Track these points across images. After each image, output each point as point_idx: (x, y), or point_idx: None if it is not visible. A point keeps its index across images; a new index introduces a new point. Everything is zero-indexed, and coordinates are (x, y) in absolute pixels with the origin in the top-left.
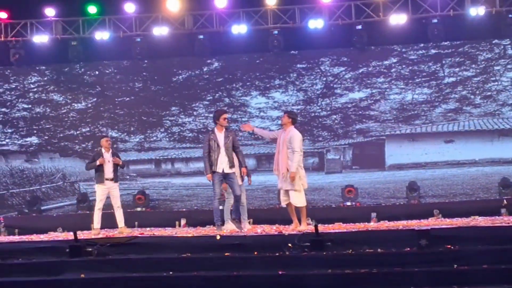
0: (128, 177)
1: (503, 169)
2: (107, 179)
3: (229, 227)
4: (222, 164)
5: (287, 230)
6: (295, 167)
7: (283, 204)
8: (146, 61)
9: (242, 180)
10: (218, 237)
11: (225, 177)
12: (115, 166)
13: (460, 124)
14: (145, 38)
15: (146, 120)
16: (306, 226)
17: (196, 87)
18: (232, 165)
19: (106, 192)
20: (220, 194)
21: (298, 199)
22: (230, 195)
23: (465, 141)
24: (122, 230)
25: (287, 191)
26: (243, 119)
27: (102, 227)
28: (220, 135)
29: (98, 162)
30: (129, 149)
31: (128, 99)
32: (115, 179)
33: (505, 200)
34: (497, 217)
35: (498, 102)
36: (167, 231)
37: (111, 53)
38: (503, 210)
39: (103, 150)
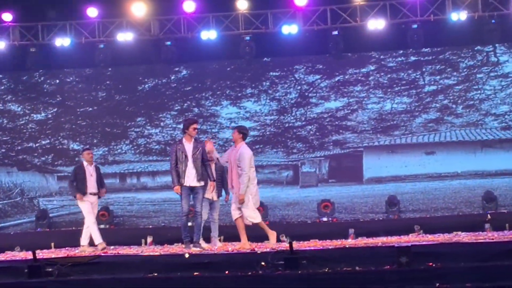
0: None
1: (487, 182)
2: (90, 193)
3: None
4: (190, 178)
5: (260, 247)
6: (243, 190)
7: (234, 218)
8: (109, 69)
9: (218, 196)
10: (187, 256)
11: (192, 190)
12: (99, 179)
13: (441, 135)
14: (108, 45)
15: (110, 131)
16: (273, 239)
17: (163, 96)
18: (200, 178)
19: (90, 206)
20: (189, 209)
21: (252, 216)
22: (205, 210)
23: (446, 153)
24: (83, 249)
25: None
26: (213, 130)
27: (62, 246)
28: (188, 146)
29: (77, 200)
30: None
31: (90, 109)
32: (98, 194)
33: (489, 215)
34: (480, 232)
35: (481, 112)
36: (133, 250)
37: (73, 61)
38: (487, 225)
39: (85, 164)
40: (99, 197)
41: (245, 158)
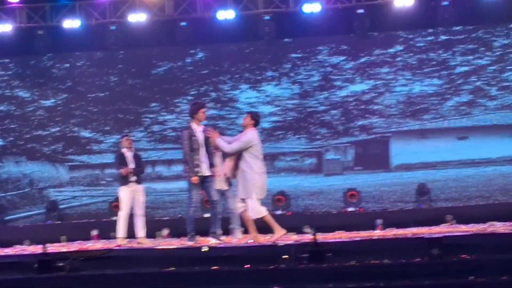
0: (103, 182)
1: None
2: (131, 181)
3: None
4: (204, 166)
5: (272, 240)
6: (223, 143)
7: (238, 211)
8: (122, 51)
9: (230, 185)
10: (205, 249)
11: (204, 180)
12: (138, 166)
13: (474, 119)
14: (120, 26)
15: (123, 118)
16: (279, 233)
17: (178, 80)
18: (211, 166)
19: (131, 196)
20: (199, 200)
21: (255, 209)
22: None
23: (480, 138)
24: (141, 241)
25: (243, 199)
26: (231, 116)
27: (73, 239)
28: (199, 132)
29: (123, 172)
30: (104, 150)
31: (102, 94)
32: (139, 180)
33: None
34: None
35: None
36: (148, 242)
37: (83, 43)
38: None
39: (124, 150)
40: (139, 183)
41: (246, 138)
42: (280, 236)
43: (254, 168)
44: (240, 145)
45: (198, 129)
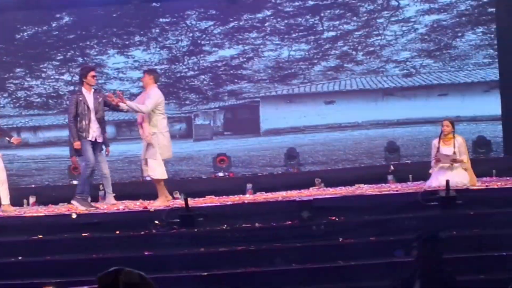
0: None
1: (389, 131)
2: None
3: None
4: (95, 132)
5: (153, 205)
6: (137, 105)
7: (145, 174)
8: None
9: (102, 149)
10: (74, 216)
11: (93, 146)
12: None
13: (341, 83)
14: None
15: None
16: (163, 202)
17: (44, 45)
18: (102, 132)
19: None
20: (93, 162)
21: (155, 170)
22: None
23: (347, 102)
24: (5, 209)
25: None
26: (100, 81)
27: None
28: (89, 97)
29: (13, 141)
30: None
31: None
32: None
33: (392, 166)
34: (383, 184)
35: (381, 59)
36: (13, 210)
37: None
38: (390, 177)
39: None
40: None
41: (153, 97)
42: (162, 205)
43: (159, 127)
44: (153, 102)
45: (88, 94)
